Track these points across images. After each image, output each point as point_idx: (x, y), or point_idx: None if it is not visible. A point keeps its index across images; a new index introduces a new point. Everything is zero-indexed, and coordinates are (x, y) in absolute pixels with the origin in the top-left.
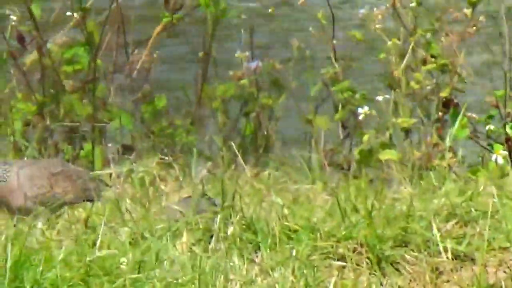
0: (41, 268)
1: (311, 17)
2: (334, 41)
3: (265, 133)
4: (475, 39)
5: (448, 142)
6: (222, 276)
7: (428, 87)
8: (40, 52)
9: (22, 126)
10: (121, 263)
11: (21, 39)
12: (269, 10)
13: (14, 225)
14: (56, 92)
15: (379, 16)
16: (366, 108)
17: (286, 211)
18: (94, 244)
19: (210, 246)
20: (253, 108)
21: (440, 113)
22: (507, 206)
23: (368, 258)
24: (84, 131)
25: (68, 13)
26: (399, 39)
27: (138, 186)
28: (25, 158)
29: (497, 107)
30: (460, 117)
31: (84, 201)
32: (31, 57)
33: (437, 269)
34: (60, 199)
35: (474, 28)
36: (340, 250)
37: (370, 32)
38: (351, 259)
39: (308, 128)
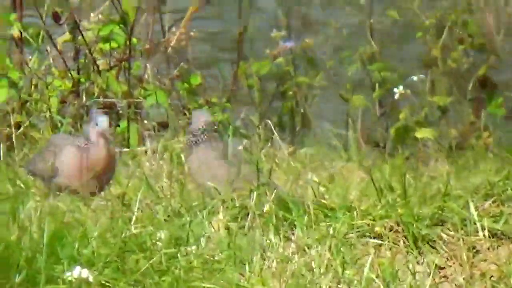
0: (77, 245)
1: None
2: (372, 21)
3: (302, 111)
4: None
5: (483, 120)
6: (258, 254)
7: (465, 66)
8: (73, 32)
9: (59, 103)
10: (158, 240)
11: (56, 17)
12: None
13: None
14: (92, 70)
15: None
16: (401, 88)
17: (322, 189)
18: (130, 221)
19: (246, 224)
20: (289, 86)
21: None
22: None
23: (404, 236)
24: (120, 108)
25: None
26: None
27: (174, 163)
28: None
29: None
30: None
31: None
32: (64, 37)
33: (473, 247)
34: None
35: None
36: (377, 229)
37: (409, 12)
38: (388, 238)
39: (345, 107)
